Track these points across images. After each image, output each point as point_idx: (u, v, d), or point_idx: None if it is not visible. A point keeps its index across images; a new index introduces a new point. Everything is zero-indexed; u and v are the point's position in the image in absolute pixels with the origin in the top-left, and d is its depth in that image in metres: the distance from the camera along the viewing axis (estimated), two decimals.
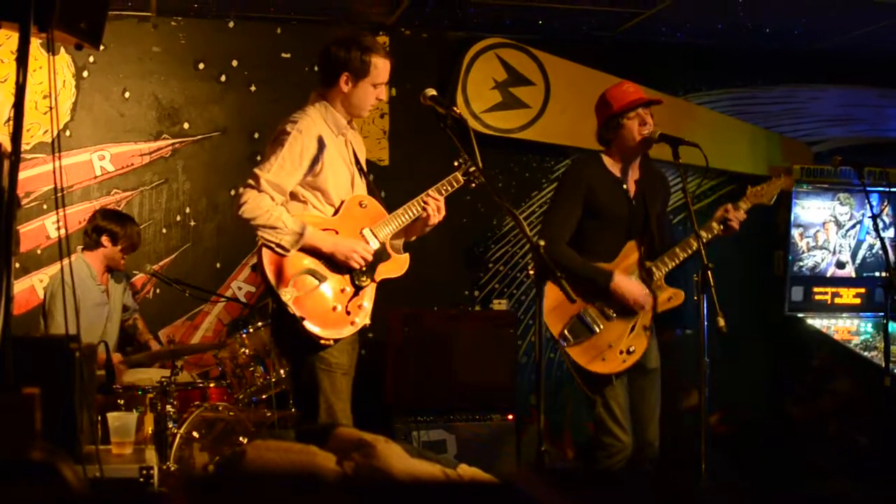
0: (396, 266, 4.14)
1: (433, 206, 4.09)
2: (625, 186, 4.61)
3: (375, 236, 4.06)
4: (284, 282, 3.86)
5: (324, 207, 4.02)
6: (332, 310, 3.94)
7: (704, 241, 4.39)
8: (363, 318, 4.02)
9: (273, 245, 3.86)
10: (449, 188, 4.15)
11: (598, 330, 4.47)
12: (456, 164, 4.21)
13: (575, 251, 4.54)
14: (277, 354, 5.17)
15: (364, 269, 4.00)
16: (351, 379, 4.06)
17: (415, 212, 4.11)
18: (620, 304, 4.52)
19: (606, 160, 4.63)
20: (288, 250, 3.87)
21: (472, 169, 4.17)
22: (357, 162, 4.15)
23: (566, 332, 4.46)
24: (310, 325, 3.88)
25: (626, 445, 4.51)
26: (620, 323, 4.51)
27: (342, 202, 4.05)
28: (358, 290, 4.00)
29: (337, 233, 3.99)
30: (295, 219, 3.89)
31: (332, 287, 3.96)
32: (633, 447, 4.55)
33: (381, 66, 4.00)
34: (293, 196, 4.00)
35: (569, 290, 3.55)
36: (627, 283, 4.50)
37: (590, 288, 4.48)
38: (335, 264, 3.96)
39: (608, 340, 4.49)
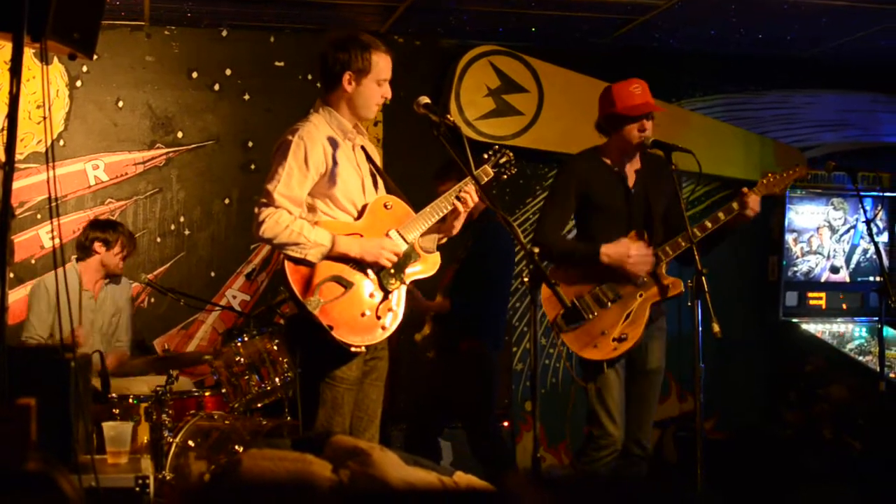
0: (427, 266, 4.00)
1: (470, 199, 3.95)
2: (623, 177, 4.59)
3: (403, 238, 3.92)
4: (310, 291, 3.72)
5: (334, 212, 3.89)
6: (360, 315, 3.80)
7: (721, 221, 4.39)
8: (393, 322, 3.88)
9: (299, 258, 3.75)
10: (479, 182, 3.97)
11: (591, 317, 4.44)
12: (486, 156, 4.09)
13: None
14: (272, 361, 5.16)
15: (393, 270, 3.88)
16: (358, 392, 3.94)
17: (444, 209, 3.98)
18: (624, 276, 4.45)
19: (603, 152, 4.61)
20: (315, 264, 3.76)
21: (503, 160, 4.09)
22: (373, 165, 4.04)
23: (559, 318, 4.45)
24: (339, 334, 3.74)
25: (615, 440, 4.45)
26: (616, 310, 4.46)
27: (365, 205, 3.93)
28: (387, 293, 3.86)
29: (361, 236, 3.86)
30: (321, 231, 3.77)
31: (359, 292, 3.82)
32: (624, 446, 4.50)
33: (382, 62, 3.90)
34: None
35: (563, 296, 3.68)
36: (615, 247, 4.43)
37: (590, 271, 4.47)
38: (363, 268, 3.83)
39: (601, 328, 4.44)
